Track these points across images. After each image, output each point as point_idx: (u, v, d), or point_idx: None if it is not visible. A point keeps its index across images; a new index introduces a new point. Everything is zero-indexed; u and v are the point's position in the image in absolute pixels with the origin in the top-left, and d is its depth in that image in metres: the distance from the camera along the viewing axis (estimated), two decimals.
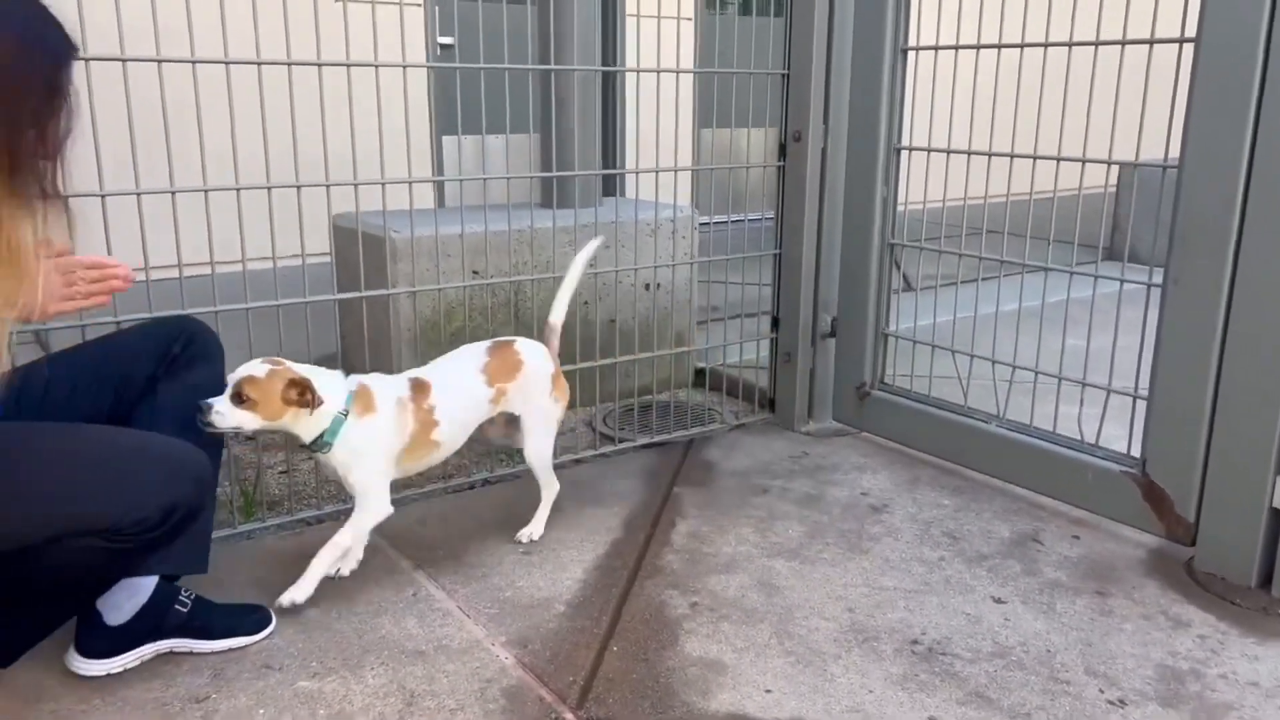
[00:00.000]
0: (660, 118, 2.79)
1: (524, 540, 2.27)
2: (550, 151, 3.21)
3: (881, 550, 2.27)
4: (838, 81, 2.80)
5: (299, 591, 1.93)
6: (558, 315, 2.34)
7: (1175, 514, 2.24)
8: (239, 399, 1.81)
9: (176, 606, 1.77)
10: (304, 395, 1.86)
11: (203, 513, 1.72)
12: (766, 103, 3.00)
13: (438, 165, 5.31)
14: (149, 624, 1.76)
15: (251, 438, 2.62)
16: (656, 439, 2.91)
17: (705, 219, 3.44)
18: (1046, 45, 2.38)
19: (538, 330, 2.41)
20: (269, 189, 2.19)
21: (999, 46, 2.48)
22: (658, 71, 2.84)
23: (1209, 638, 1.93)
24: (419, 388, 2.06)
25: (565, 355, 2.77)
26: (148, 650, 1.77)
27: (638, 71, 2.74)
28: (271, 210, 2.16)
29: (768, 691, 1.74)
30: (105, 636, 1.73)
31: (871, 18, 2.71)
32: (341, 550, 1.99)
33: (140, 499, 1.54)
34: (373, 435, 1.96)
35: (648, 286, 3.35)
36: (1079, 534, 2.36)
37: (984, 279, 2.84)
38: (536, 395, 2.25)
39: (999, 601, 2.05)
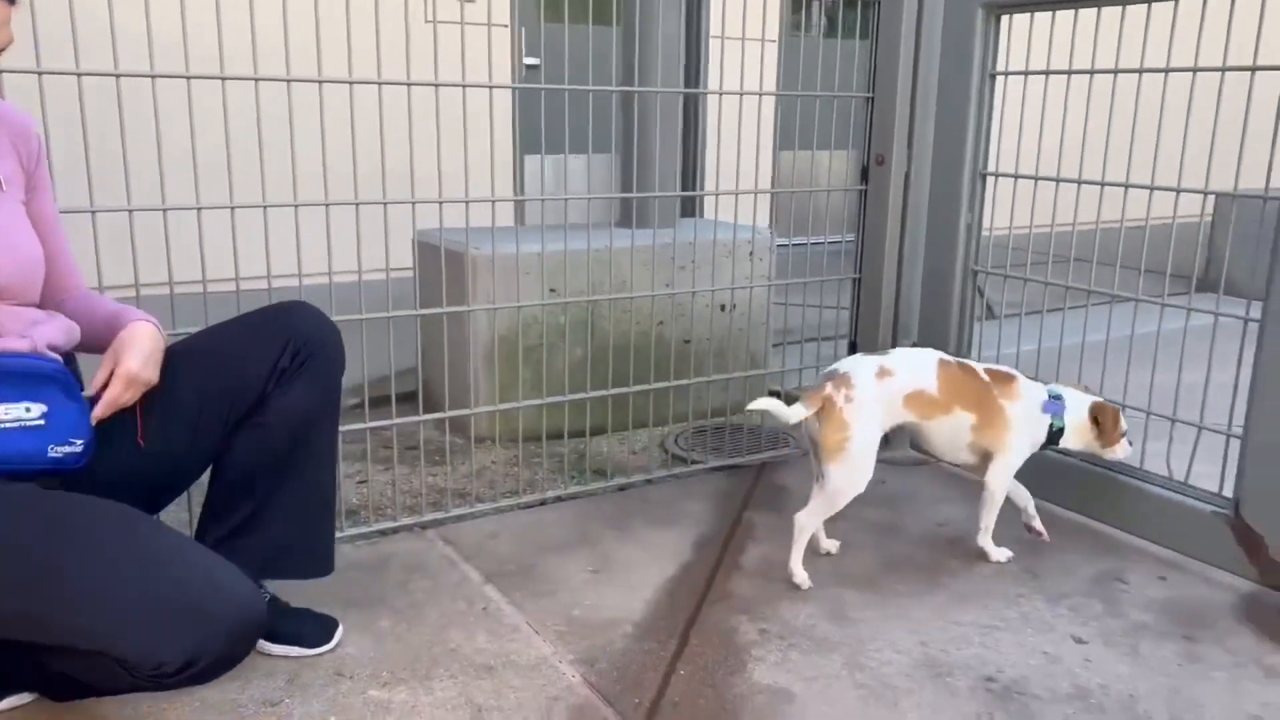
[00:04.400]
0: (741, 140, 2.79)
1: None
2: (630, 172, 3.23)
3: (958, 584, 2.22)
4: (923, 106, 2.77)
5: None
6: None
7: (1270, 558, 2.14)
8: None
9: None
10: None
11: (238, 660, 1.51)
12: (850, 126, 2.98)
13: (520, 184, 5.39)
14: None
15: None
16: (729, 461, 2.89)
17: (784, 241, 3.42)
18: (1142, 71, 2.32)
19: (614, 349, 2.39)
20: (356, 205, 2.25)
21: (1091, 72, 2.43)
22: (740, 94, 2.84)
23: None
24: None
25: (635, 375, 2.79)
26: None
27: (720, 94, 2.74)
28: (359, 226, 2.22)
29: None
30: None
31: (960, 42, 2.67)
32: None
33: (159, 644, 1.37)
34: None
35: (723, 308, 3.34)
36: (1166, 575, 2.27)
37: (1071, 308, 2.77)
38: None
39: (1080, 642, 1.99)
